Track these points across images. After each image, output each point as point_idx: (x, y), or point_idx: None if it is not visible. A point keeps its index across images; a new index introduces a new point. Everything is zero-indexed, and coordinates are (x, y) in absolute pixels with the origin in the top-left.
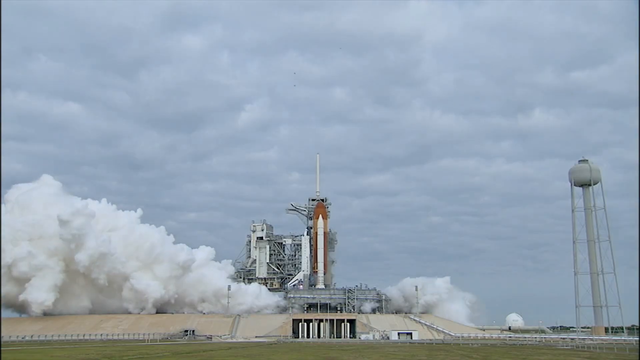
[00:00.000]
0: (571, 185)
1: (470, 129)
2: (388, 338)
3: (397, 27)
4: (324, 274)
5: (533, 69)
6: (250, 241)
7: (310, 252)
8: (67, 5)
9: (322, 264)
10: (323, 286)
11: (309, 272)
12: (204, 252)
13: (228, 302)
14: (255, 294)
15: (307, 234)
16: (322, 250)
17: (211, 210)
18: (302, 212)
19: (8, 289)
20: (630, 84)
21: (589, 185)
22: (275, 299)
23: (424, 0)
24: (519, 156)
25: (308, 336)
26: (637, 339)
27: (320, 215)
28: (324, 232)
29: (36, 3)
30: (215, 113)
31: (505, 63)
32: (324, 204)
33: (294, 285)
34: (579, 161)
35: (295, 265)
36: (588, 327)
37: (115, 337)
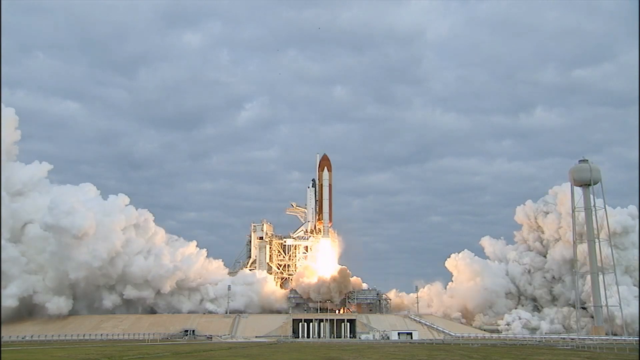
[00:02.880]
0: (571, 185)
1: (472, 127)
2: (388, 338)
3: (398, 24)
4: (329, 226)
5: (535, 66)
6: (250, 241)
7: (316, 203)
8: (65, 2)
9: (327, 214)
10: (328, 236)
11: (314, 222)
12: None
13: (228, 303)
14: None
15: (312, 186)
16: (327, 201)
17: (211, 209)
18: (303, 212)
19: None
20: (632, 82)
21: (589, 185)
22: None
23: None
24: (520, 155)
25: (308, 336)
26: (637, 339)
27: (325, 168)
28: (329, 184)
29: (34, 0)
30: (215, 111)
31: (507, 61)
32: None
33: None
34: (579, 161)
35: (295, 265)
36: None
37: (115, 337)
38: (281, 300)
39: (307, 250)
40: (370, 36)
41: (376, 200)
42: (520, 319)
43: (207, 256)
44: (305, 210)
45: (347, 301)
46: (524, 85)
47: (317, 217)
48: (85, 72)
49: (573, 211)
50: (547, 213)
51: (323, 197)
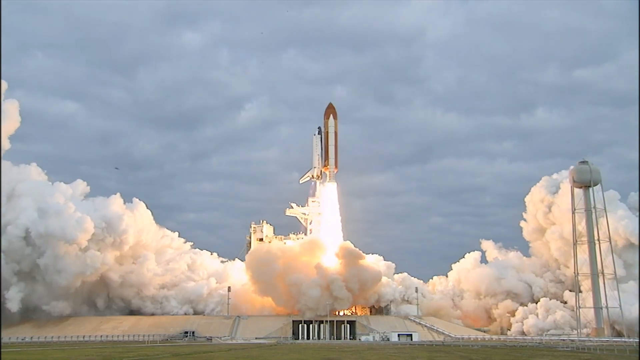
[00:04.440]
0: (571, 186)
1: (472, 128)
2: (388, 339)
3: (399, 24)
4: (335, 172)
5: (536, 66)
6: (250, 242)
7: (322, 150)
8: (64, 2)
9: (334, 159)
10: (334, 182)
11: (320, 168)
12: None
13: (228, 304)
14: None
15: (319, 134)
16: (333, 147)
17: (210, 210)
18: (303, 213)
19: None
20: (634, 82)
21: (589, 186)
22: None
23: None
24: (521, 156)
25: (308, 337)
26: (637, 340)
27: (331, 115)
28: (335, 131)
29: None
30: (215, 111)
31: (508, 60)
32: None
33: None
34: (579, 162)
35: None
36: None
37: (115, 339)
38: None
39: None
40: (370, 36)
41: (376, 201)
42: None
43: (194, 246)
44: (306, 212)
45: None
46: (525, 85)
47: (323, 163)
48: (85, 71)
49: (573, 213)
50: (545, 229)
51: (329, 143)
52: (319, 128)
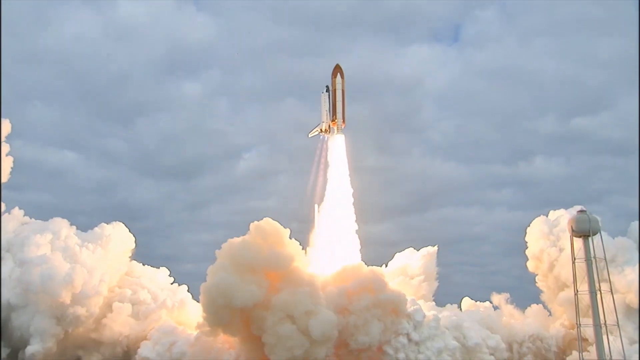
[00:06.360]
0: (570, 236)
1: (471, 177)
2: None
3: (397, 73)
4: (343, 127)
5: (534, 115)
6: None
7: (329, 106)
8: (62, 51)
9: (341, 114)
10: (342, 134)
11: (328, 123)
12: None
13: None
14: None
15: (327, 91)
16: (341, 103)
17: (209, 261)
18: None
19: None
20: (633, 131)
21: (588, 236)
22: None
23: (424, 46)
24: (521, 205)
25: None
26: None
27: (339, 74)
28: (342, 89)
29: (32, 49)
30: (213, 161)
31: (506, 110)
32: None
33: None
34: (578, 211)
35: None
36: None
37: None
38: None
39: None
40: (369, 85)
41: (375, 252)
42: None
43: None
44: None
45: None
46: (523, 134)
47: (331, 118)
48: (83, 121)
49: (573, 262)
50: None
51: (337, 100)
52: (327, 86)
